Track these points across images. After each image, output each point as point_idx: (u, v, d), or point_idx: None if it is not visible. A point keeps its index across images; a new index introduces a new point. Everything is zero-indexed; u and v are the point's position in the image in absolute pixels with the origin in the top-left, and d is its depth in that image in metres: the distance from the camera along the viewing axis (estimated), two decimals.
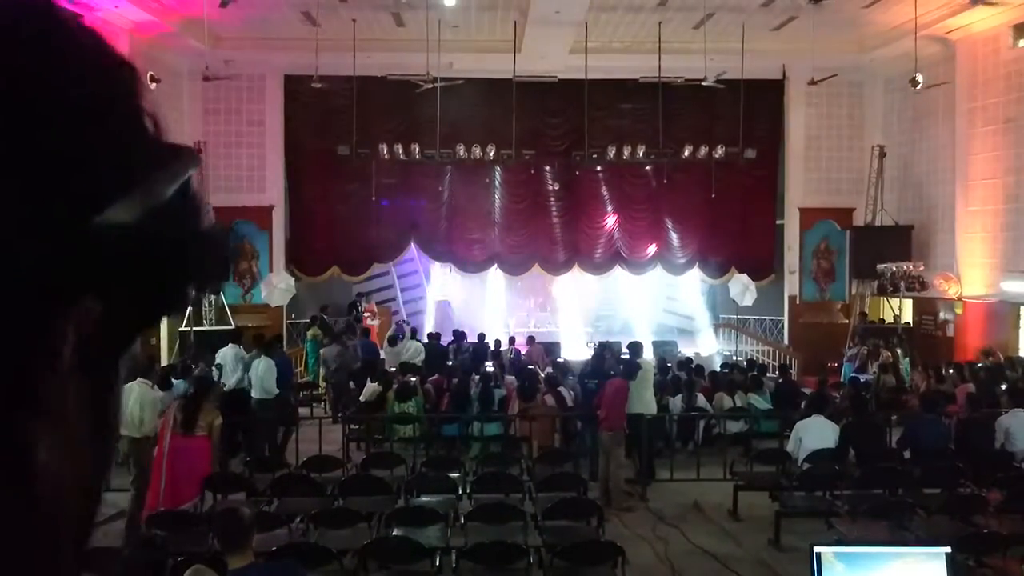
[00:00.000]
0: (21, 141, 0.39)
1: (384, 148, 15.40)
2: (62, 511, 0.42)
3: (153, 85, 14.11)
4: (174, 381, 9.91)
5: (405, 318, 18.42)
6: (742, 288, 16.57)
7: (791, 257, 17.29)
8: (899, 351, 13.76)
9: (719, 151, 15.62)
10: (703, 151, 15.66)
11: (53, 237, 0.40)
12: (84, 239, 0.41)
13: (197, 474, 6.85)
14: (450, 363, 13.51)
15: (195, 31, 13.62)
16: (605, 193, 17.66)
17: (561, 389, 10.65)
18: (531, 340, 15.25)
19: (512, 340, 14.77)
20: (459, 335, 14.96)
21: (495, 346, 14.31)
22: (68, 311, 0.41)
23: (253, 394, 10.07)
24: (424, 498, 7.20)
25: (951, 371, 12.05)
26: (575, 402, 10.41)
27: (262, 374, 10.02)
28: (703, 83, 14.66)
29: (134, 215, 0.44)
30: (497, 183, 17.38)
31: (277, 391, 10.18)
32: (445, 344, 14.56)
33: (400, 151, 15.43)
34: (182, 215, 0.48)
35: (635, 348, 9.95)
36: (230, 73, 15.73)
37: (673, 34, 14.54)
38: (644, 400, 9.40)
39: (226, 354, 11.01)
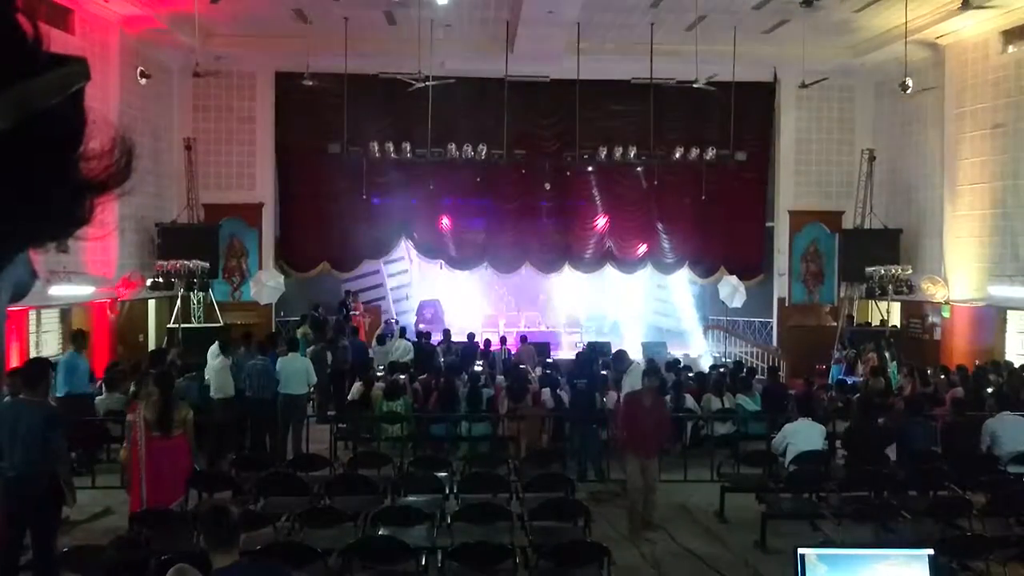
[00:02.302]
0: None
1: (375, 146, 15.36)
2: None
3: (143, 81, 14.05)
4: None
5: (394, 316, 18.40)
6: (731, 290, 16.62)
7: (780, 260, 17.35)
8: (887, 354, 13.83)
9: (710, 153, 15.65)
10: (694, 153, 15.69)
11: None
12: None
13: (181, 473, 6.81)
14: (441, 359, 13.50)
15: (186, 27, 13.54)
16: (596, 194, 17.70)
17: (560, 391, 10.68)
18: (523, 340, 15.25)
19: (503, 340, 14.75)
20: (448, 335, 14.94)
21: (484, 346, 14.30)
22: None
23: (285, 391, 10.06)
24: (411, 498, 7.18)
25: (943, 376, 12.12)
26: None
27: (302, 370, 10.11)
28: (694, 85, 14.69)
29: (3, 120, 0.43)
30: (488, 183, 17.38)
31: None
32: (434, 343, 14.54)
33: (391, 150, 15.40)
34: (67, 126, 0.47)
35: (620, 356, 9.96)
36: (221, 70, 15.66)
37: (665, 36, 14.57)
38: None
39: (212, 352, 10.95)
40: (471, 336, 14.89)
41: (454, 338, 14.59)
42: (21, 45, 0.46)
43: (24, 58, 0.45)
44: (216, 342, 10.66)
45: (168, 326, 14.92)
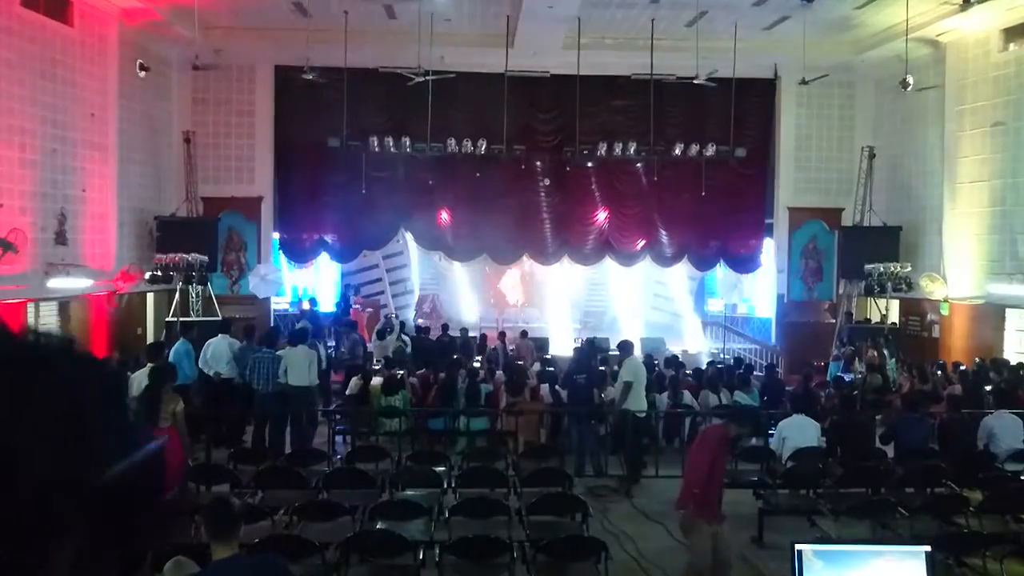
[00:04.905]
0: (69, 436, 0.67)
1: (375, 141, 15.33)
2: None
3: (142, 73, 14.02)
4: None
5: (394, 311, 18.40)
6: (730, 286, 16.62)
7: (779, 256, 17.34)
8: (885, 351, 13.85)
9: (710, 149, 15.63)
10: (694, 149, 15.66)
11: (72, 489, 0.66)
12: (85, 490, 0.68)
13: (173, 465, 6.79)
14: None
15: (185, 20, 13.49)
16: (595, 189, 17.66)
17: (558, 387, 10.68)
18: (523, 334, 15.25)
19: (502, 335, 14.74)
20: (446, 328, 14.95)
21: (480, 340, 14.28)
22: (66, 532, 0.66)
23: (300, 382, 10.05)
24: (409, 492, 7.18)
25: (939, 372, 12.09)
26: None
27: (309, 363, 10.15)
28: (695, 81, 14.66)
29: (114, 478, 0.71)
30: (488, 177, 17.33)
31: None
32: (433, 338, 14.54)
33: (391, 144, 15.37)
34: (146, 484, 0.80)
35: (625, 347, 9.95)
36: (220, 63, 15.62)
37: (666, 31, 14.54)
38: (637, 397, 9.42)
39: (217, 345, 10.96)
40: (464, 331, 14.90)
41: (450, 332, 14.60)
42: (129, 431, 0.82)
43: (131, 437, 0.82)
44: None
45: (167, 319, 14.91)
